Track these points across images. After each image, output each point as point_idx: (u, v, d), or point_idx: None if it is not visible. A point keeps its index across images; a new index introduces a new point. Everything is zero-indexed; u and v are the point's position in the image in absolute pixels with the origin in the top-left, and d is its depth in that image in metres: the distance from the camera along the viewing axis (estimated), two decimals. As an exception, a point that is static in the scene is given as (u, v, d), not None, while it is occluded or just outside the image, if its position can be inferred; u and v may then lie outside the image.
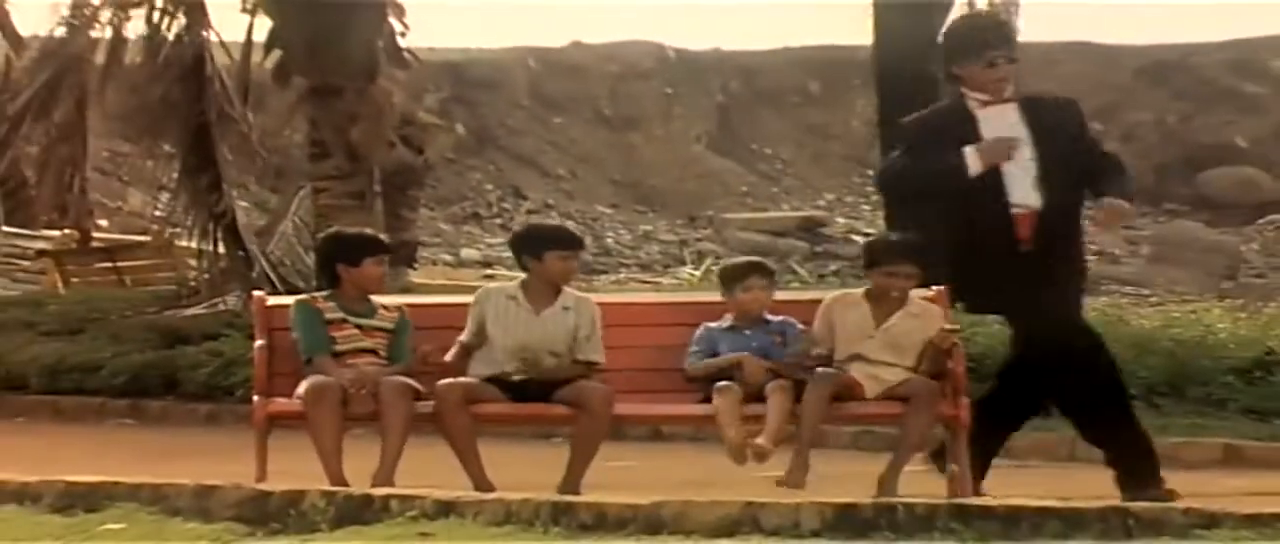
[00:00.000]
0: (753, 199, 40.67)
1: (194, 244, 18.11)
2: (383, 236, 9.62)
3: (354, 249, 9.15)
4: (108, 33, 17.59)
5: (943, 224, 8.59)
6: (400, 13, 19.04)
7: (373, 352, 8.92)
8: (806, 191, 41.19)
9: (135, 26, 17.45)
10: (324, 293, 9.11)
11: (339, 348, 8.88)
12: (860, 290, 8.95)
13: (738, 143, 42.53)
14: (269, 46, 18.17)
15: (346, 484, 8.08)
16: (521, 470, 8.79)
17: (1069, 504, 6.23)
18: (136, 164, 20.77)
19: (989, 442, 8.62)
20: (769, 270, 9.24)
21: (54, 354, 16.14)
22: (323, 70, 17.65)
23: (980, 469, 8.54)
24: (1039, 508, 6.13)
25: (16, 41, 23.75)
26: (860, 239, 10.90)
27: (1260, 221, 38.31)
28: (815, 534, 6.07)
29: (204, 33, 17.37)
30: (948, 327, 8.75)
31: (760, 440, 8.41)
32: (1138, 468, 8.33)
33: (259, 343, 9.03)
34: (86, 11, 17.66)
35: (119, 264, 22.08)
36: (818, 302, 8.97)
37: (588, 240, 36.43)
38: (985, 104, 8.45)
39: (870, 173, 36.56)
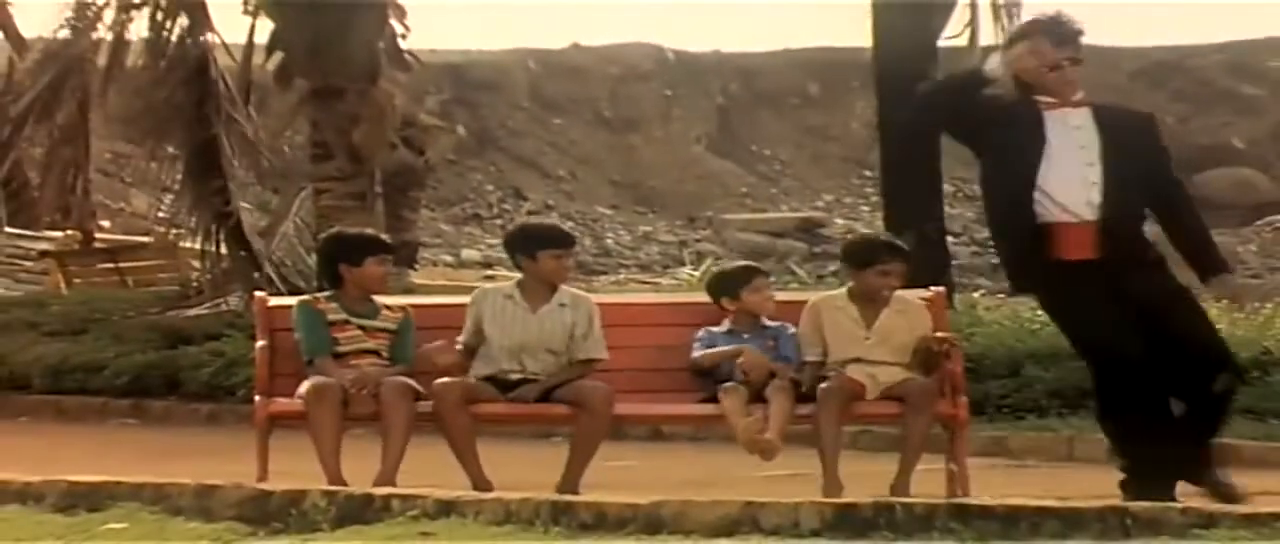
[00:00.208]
0: (752, 200, 40.68)
1: (197, 245, 18.11)
2: (385, 237, 9.62)
3: (356, 249, 9.15)
4: (110, 35, 17.59)
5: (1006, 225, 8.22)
6: (401, 15, 19.08)
7: (375, 352, 8.92)
8: (805, 193, 41.19)
9: (138, 28, 17.47)
10: (326, 293, 9.11)
11: (341, 349, 8.89)
12: (841, 292, 8.98)
13: (737, 144, 42.53)
14: (271, 48, 18.19)
15: (345, 484, 8.10)
16: (521, 470, 8.82)
17: (1067, 504, 6.24)
18: (139, 165, 20.77)
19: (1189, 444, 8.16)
20: (765, 272, 9.33)
21: (57, 354, 16.17)
22: (324, 72, 17.68)
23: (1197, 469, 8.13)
24: (1038, 508, 6.13)
25: (19, 43, 23.77)
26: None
27: (1258, 223, 38.32)
28: (815, 534, 6.07)
29: (206, 35, 17.38)
30: (943, 334, 8.81)
31: (770, 436, 8.45)
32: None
33: (261, 343, 9.06)
34: (89, 13, 17.67)
35: (121, 265, 22.09)
36: (818, 302, 9.02)
37: (588, 241, 36.49)
38: (1052, 106, 8.09)
39: (869, 174, 36.64)
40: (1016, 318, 14.90)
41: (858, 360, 8.70)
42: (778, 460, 8.69)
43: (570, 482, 8.54)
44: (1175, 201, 8.27)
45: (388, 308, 9.07)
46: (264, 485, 7.10)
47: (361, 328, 8.93)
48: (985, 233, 8.52)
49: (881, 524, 6.07)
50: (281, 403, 8.80)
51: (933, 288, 9.32)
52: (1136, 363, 7.92)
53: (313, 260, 15.43)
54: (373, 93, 17.85)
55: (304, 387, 8.71)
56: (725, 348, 8.80)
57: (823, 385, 8.62)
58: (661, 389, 9.10)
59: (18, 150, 19.43)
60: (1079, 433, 12.15)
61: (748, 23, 68.92)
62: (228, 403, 14.74)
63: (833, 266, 32.89)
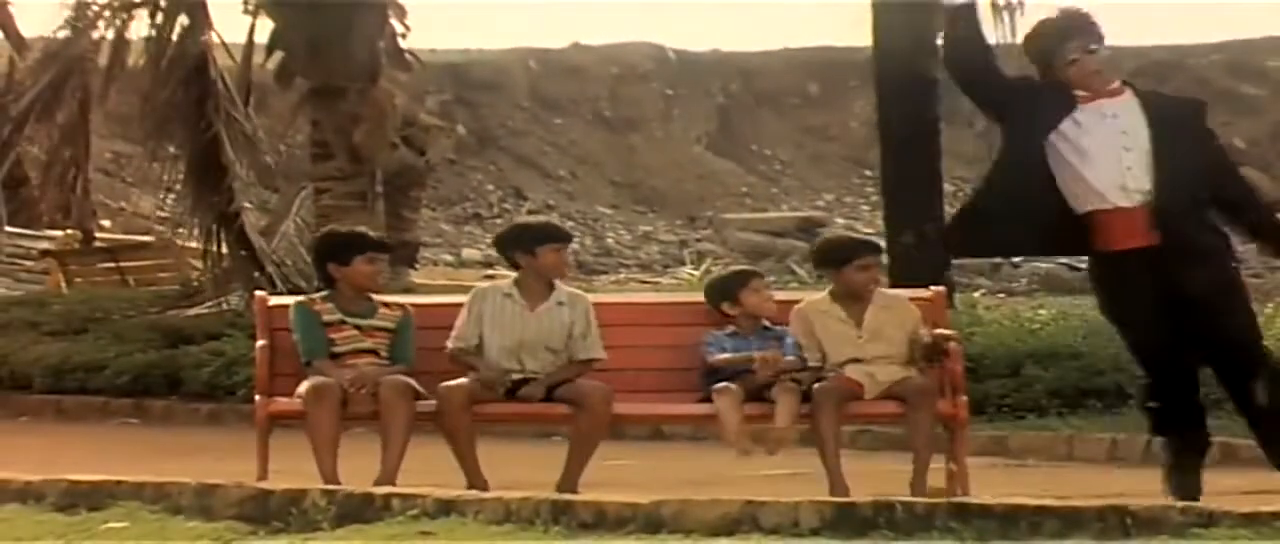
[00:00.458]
0: (752, 200, 40.67)
1: (198, 244, 18.11)
2: (374, 234, 9.55)
3: (344, 248, 9.10)
4: (111, 34, 17.59)
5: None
6: (402, 14, 19.08)
7: (373, 352, 8.90)
8: (805, 192, 41.18)
9: (138, 28, 17.46)
10: (322, 294, 9.09)
11: (338, 349, 8.86)
12: (824, 296, 8.98)
13: (737, 144, 42.52)
14: (271, 48, 18.19)
15: (340, 483, 8.11)
16: (521, 470, 8.82)
17: (1067, 503, 6.24)
18: (140, 165, 20.76)
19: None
20: (761, 273, 9.36)
21: (57, 354, 16.18)
22: (325, 72, 17.69)
23: None
24: (1037, 507, 6.14)
25: (20, 43, 23.78)
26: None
27: (1259, 223, 38.29)
28: (815, 533, 6.08)
29: (206, 34, 17.38)
30: (944, 332, 8.83)
31: (778, 426, 8.49)
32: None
33: (261, 343, 9.06)
34: (89, 13, 17.67)
35: (122, 264, 22.10)
36: (818, 301, 9.04)
37: (588, 241, 36.50)
38: (1088, 99, 7.96)
39: (869, 174, 36.62)
40: (1016, 318, 14.92)
41: (854, 360, 8.71)
42: (778, 460, 8.69)
43: (569, 481, 8.54)
44: (1234, 197, 8.15)
45: (386, 306, 9.04)
46: (264, 485, 7.10)
47: (358, 327, 8.91)
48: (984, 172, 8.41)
49: (881, 523, 6.08)
50: (282, 402, 8.81)
51: (933, 288, 9.33)
52: (1171, 362, 7.93)
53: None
54: (373, 92, 17.86)
55: (303, 387, 8.72)
56: (742, 355, 8.79)
57: (818, 385, 8.63)
58: (661, 389, 9.10)
59: (18, 150, 19.40)
60: (1079, 432, 12.15)
61: (748, 23, 68.95)
62: (228, 402, 14.74)
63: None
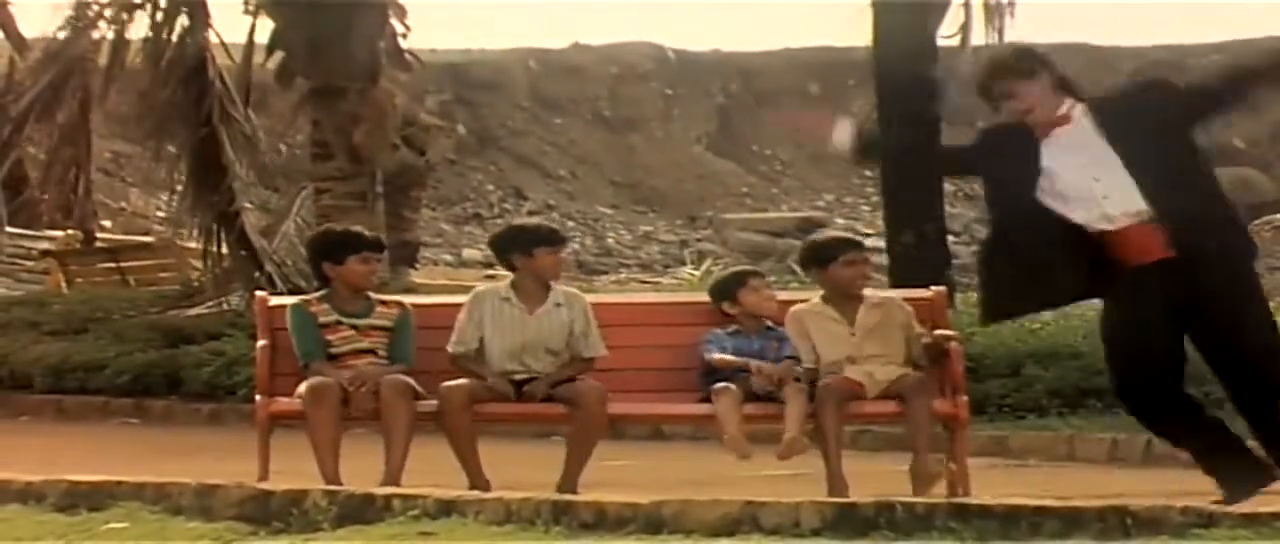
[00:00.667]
0: (752, 200, 40.67)
1: (198, 244, 18.11)
2: (368, 232, 9.53)
3: (338, 247, 9.08)
4: (111, 34, 17.59)
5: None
6: (402, 14, 19.10)
7: (371, 352, 8.89)
8: (806, 192, 41.18)
9: (138, 28, 17.46)
10: (319, 294, 9.08)
11: (335, 350, 8.85)
12: (816, 299, 8.99)
13: (737, 144, 42.52)
14: (271, 48, 18.21)
15: (340, 483, 8.11)
16: (521, 470, 8.83)
17: (1067, 503, 6.25)
18: (140, 165, 20.77)
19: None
20: (762, 273, 9.38)
21: (58, 354, 16.18)
22: (325, 72, 17.70)
23: None
24: (1037, 507, 6.14)
25: (20, 43, 23.78)
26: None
27: (1257, 222, 38.27)
28: (815, 533, 6.08)
29: (205, 34, 17.38)
30: (944, 332, 8.84)
31: (791, 434, 8.49)
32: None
33: (261, 343, 9.06)
34: (90, 13, 17.67)
35: (122, 264, 22.10)
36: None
37: (588, 241, 36.50)
38: (1044, 132, 7.54)
39: (869, 174, 36.57)
40: (1016, 317, 14.90)
41: (851, 360, 8.73)
42: (778, 460, 8.69)
43: (569, 481, 8.55)
44: (1211, 97, 7.72)
45: (383, 304, 9.03)
46: (265, 485, 7.11)
47: (354, 327, 8.89)
48: (986, 232, 8.17)
49: (882, 524, 6.08)
50: (282, 402, 8.81)
51: (933, 288, 9.34)
52: (1155, 397, 7.57)
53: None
54: (373, 92, 17.88)
55: (302, 387, 8.72)
56: (734, 358, 8.79)
57: (821, 384, 8.65)
58: (661, 389, 9.11)
59: (18, 150, 19.40)
60: (1079, 432, 12.16)
61: (748, 23, 68.94)
62: (229, 402, 14.75)
63: (833, 266, 32.94)
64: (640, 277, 33.35)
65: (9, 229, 21.04)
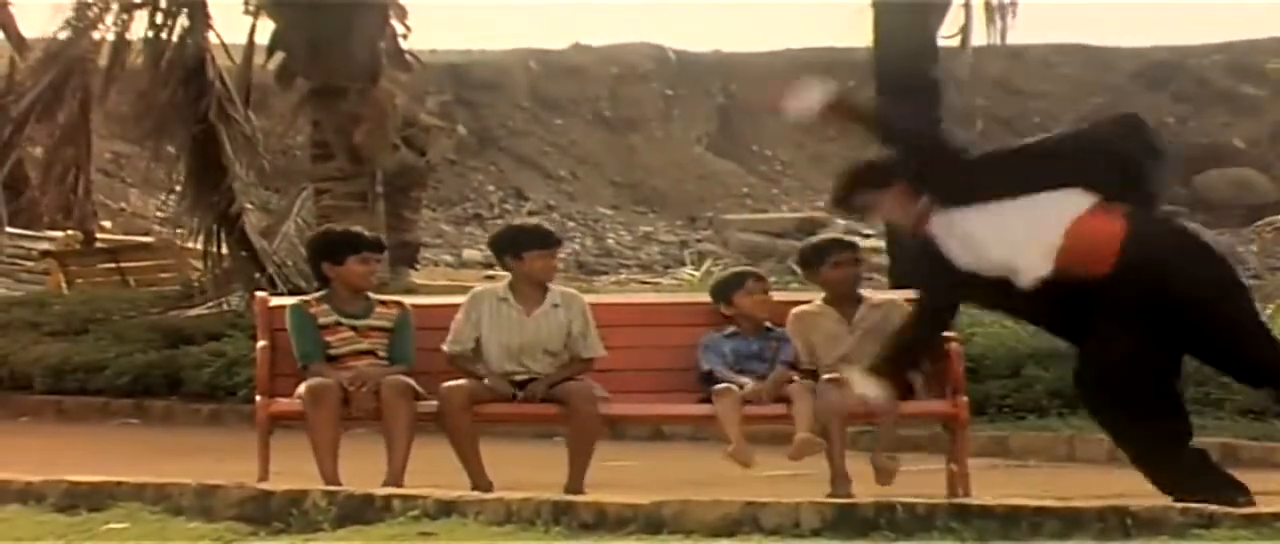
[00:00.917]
0: (752, 200, 40.67)
1: (198, 245, 18.11)
2: (368, 233, 9.54)
3: (337, 248, 9.08)
4: (111, 35, 17.59)
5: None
6: (402, 15, 19.10)
7: (371, 352, 8.89)
8: (806, 193, 41.15)
9: (138, 29, 17.46)
10: (318, 295, 9.08)
11: (335, 351, 8.85)
12: (816, 301, 9.01)
13: (738, 144, 42.51)
14: (272, 49, 18.21)
15: (340, 484, 8.11)
16: (522, 470, 8.83)
17: (1067, 504, 6.25)
18: (140, 165, 20.76)
19: None
20: (762, 275, 9.40)
21: (58, 354, 16.18)
22: (325, 72, 17.70)
23: None
24: (1037, 507, 6.15)
25: (20, 43, 23.78)
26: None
27: (1258, 223, 38.31)
28: (815, 533, 6.09)
29: (205, 35, 17.39)
30: (944, 333, 8.84)
31: (803, 435, 8.50)
32: None
33: (261, 343, 9.06)
34: (90, 14, 17.67)
35: (122, 265, 22.10)
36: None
37: (588, 241, 36.49)
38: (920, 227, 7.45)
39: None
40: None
41: (847, 360, 8.73)
42: (778, 460, 8.70)
43: (575, 483, 8.56)
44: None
45: (383, 304, 9.03)
46: (265, 485, 7.11)
47: (354, 328, 8.89)
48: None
49: (882, 524, 6.08)
50: (283, 403, 8.81)
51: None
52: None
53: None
54: (374, 93, 17.88)
55: (302, 387, 8.72)
56: (731, 373, 8.83)
57: (819, 385, 8.65)
58: (661, 389, 9.11)
59: (19, 150, 19.40)
60: (1079, 433, 12.14)
61: (748, 23, 68.94)
62: (229, 403, 14.75)
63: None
64: (640, 277, 33.33)
65: (9, 229, 21.04)
